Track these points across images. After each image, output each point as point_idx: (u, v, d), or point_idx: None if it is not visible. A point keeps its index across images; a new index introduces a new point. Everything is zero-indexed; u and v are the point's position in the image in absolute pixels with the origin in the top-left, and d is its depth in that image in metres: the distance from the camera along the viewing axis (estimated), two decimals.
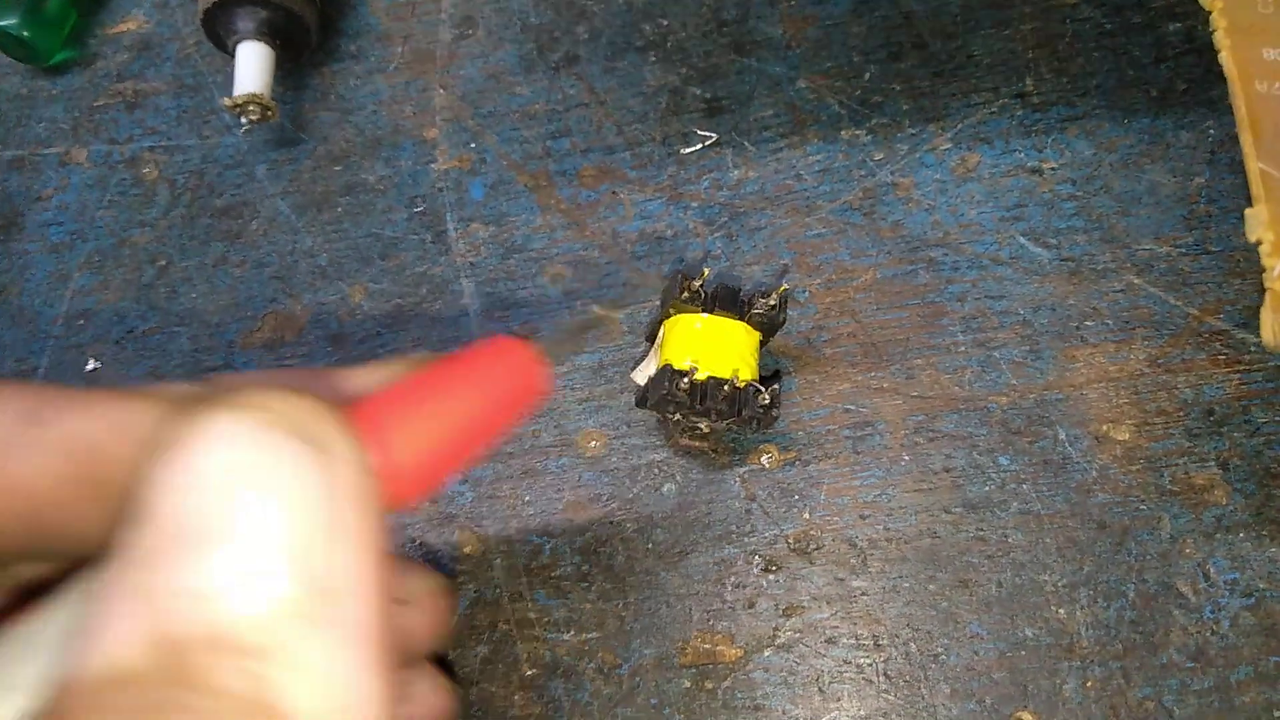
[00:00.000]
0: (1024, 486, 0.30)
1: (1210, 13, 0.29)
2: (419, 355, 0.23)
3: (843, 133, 0.36)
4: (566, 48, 0.40)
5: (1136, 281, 0.32)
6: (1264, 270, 0.24)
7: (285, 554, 0.14)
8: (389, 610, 0.16)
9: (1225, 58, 0.28)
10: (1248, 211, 0.25)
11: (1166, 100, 0.34)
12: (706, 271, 0.30)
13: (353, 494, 0.15)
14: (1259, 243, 0.25)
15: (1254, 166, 0.26)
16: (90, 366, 0.38)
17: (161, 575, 0.14)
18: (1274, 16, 0.29)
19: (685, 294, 0.30)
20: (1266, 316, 0.24)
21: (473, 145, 0.39)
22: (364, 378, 0.21)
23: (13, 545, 0.17)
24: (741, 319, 0.30)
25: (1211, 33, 0.29)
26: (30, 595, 0.20)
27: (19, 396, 0.17)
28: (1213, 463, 0.30)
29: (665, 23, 0.39)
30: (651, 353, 0.32)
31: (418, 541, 0.33)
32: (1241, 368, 0.30)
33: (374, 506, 0.16)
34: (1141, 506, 0.30)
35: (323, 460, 0.15)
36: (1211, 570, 0.29)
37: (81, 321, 0.39)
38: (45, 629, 0.17)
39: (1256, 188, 0.25)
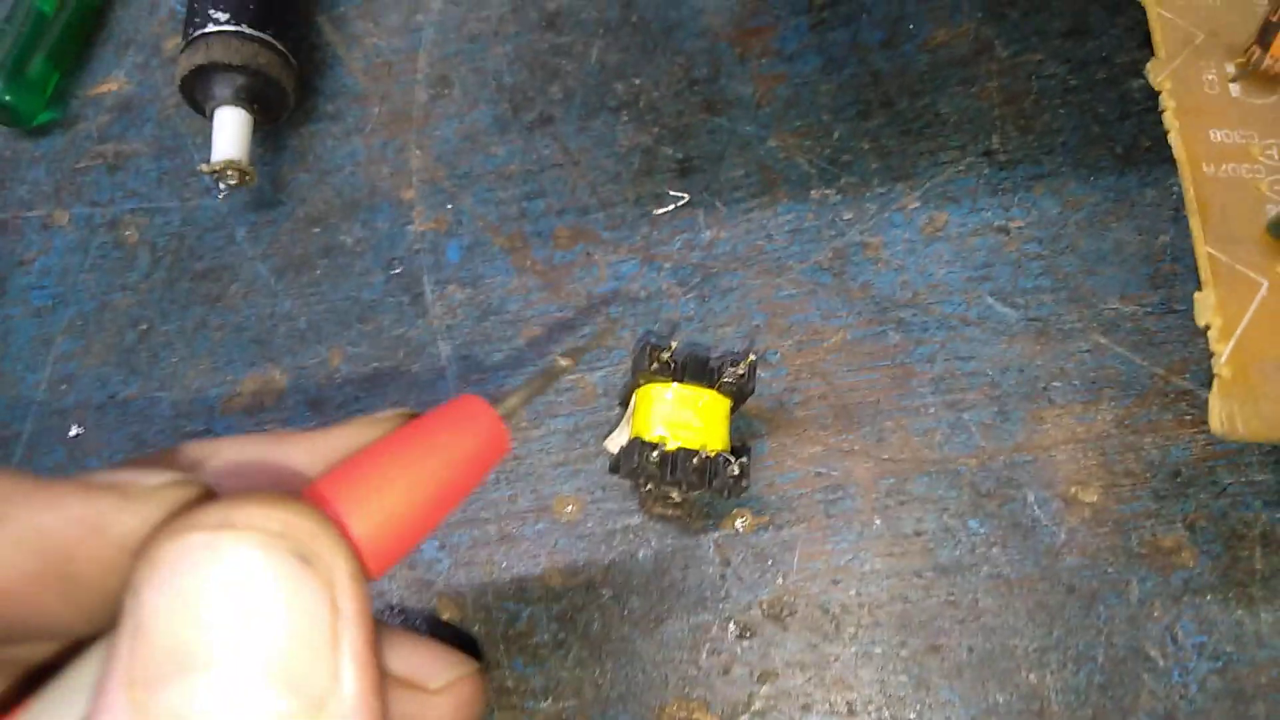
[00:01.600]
0: (994, 550, 0.31)
1: (1160, 93, 0.29)
2: (382, 415, 0.23)
3: (812, 192, 0.36)
4: (541, 108, 0.40)
5: (1103, 341, 0.32)
6: (1212, 355, 0.25)
7: (283, 675, 0.15)
8: (385, 706, 0.16)
9: (1174, 139, 0.28)
10: (1196, 296, 0.25)
11: (1131, 157, 0.34)
12: (674, 344, 0.30)
13: (347, 605, 0.16)
14: (1208, 327, 0.25)
15: (1202, 250, 0.26)
16: (73, 432, 0.38)
17: (163, 698, 0.14)
18: (1221, 97, 0.29)
19: (654, 364, 0.30)
20: (1215, 403, 0.24)
21: (449, 206, 0.39)
22: (331, 442, 0.22)
23: None
24: (711, 387, 0.31)
25: (1161, 112, 0.29)
26: (38, 677, 0.21)
27: None
28: (1180, 524, 0.30)
29: (638, 82, 0.39)
30: (624, 420, 0.32)
31: (397, 609, 0.33)
32: (1207, 428, 0.30)
33: (367, 611, 0.16)
34: (1110, 569, 0.30)
35: (316, 576, 0.15)
36: (1180, 633, 0.29)
37: (64, 386, 0.39)
38: None
39: (1205, 271, 0.26)
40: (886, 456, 0.32)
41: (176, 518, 0.16)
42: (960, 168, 0.35)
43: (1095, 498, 0.31)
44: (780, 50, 0.39)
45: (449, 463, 0.20)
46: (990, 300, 0.33)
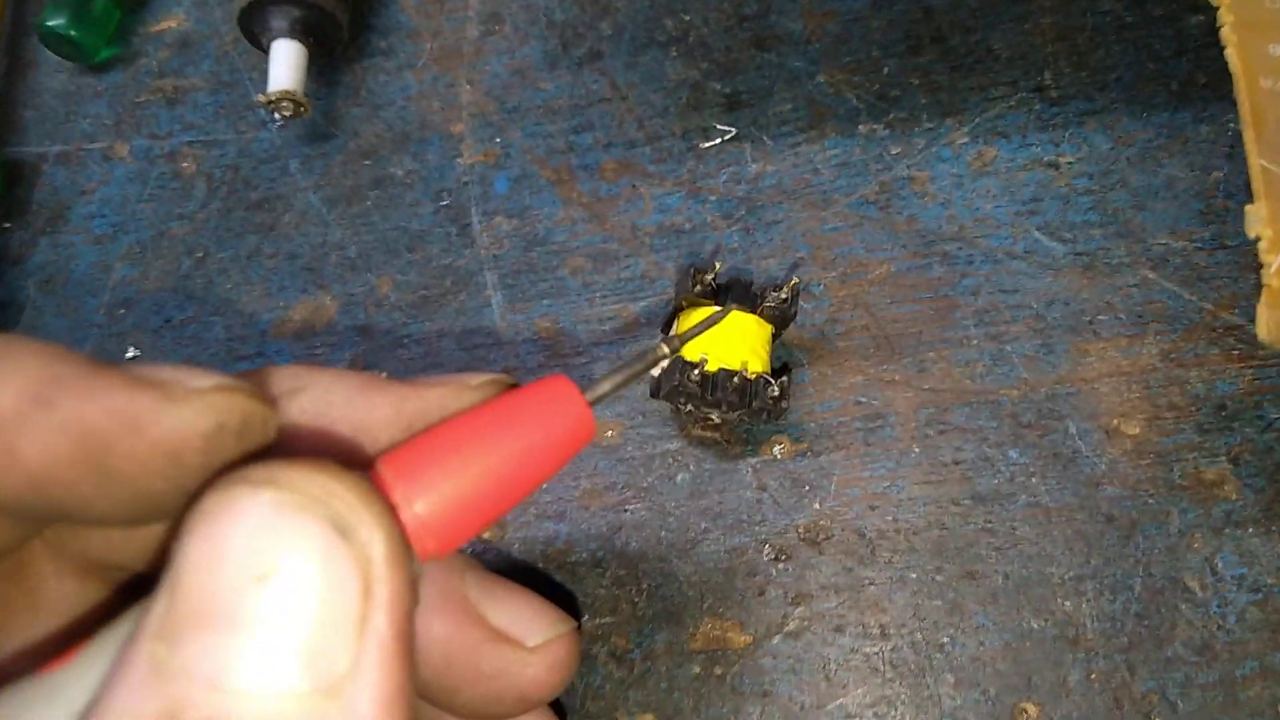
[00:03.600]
0: (1033, 479, 0.31)
1: (1218, 8, 0.29)
2: (475, 380, 0.22)
3: (860, 127, 0.36)
4: (590, 43, 0.40)
5: (1151, 276, 0.32)
6: (1262, 266, 0.24)
7: (301, 647, 0.15)
8: (412, 697, 0.16)
9: (1231, 53, 0.28)
10: (1248, 208, 0.25)
11: (1186, 94, 0.33)
12: (719, 265, 0.31)
13: (380, 588, 0.15)
14: (1258, 239, 0.25)
15: (1255, 163, 0.25)
16: (130, 354, 0.39)
17: (180, 654, 0.14)
18: None
19: (698, 287, 0.31)
20: (1263, 312, 0.24)
21: (498, 140, 0.39)
22: (418, 401, 0.21)
23: (28, 513, 0.18)
24: (753, 311, 0.31)
25: (1219, 28, 0.29)
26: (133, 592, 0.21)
27: (35, 368, 0.17)
28: (1223, 458, 0.30)
29: (687, 18, 0.40)
30: None
31: None
32: (1255, 363, 0.30)
33: (403, 591, 0.16)
34: (1150, 501, 0.30)
35: (351, 551, 0.15)
36: (1219, 565, 0.29)
37: (123, 311, 0.40)
38: (85, 674, 0.17)
39: (1257, 184, 0.25)
40: (927, 387, 0.32)
41: (227, 472, 0.16)
42: (1011, 103, 0.35)
43: (1138, 430, 0.30)
44: None
45: (527, 450, 0.19)
46: (1037, 234, 0.33)
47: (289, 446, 0.20)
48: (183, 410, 0.17)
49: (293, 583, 0.15)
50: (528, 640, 0.25)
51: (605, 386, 0.21)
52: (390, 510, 0.16)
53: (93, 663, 0.17)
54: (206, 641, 0.14)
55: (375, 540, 0.15)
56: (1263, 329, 0.24)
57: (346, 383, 0.21)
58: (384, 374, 0.22)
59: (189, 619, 0.15)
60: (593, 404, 0.21)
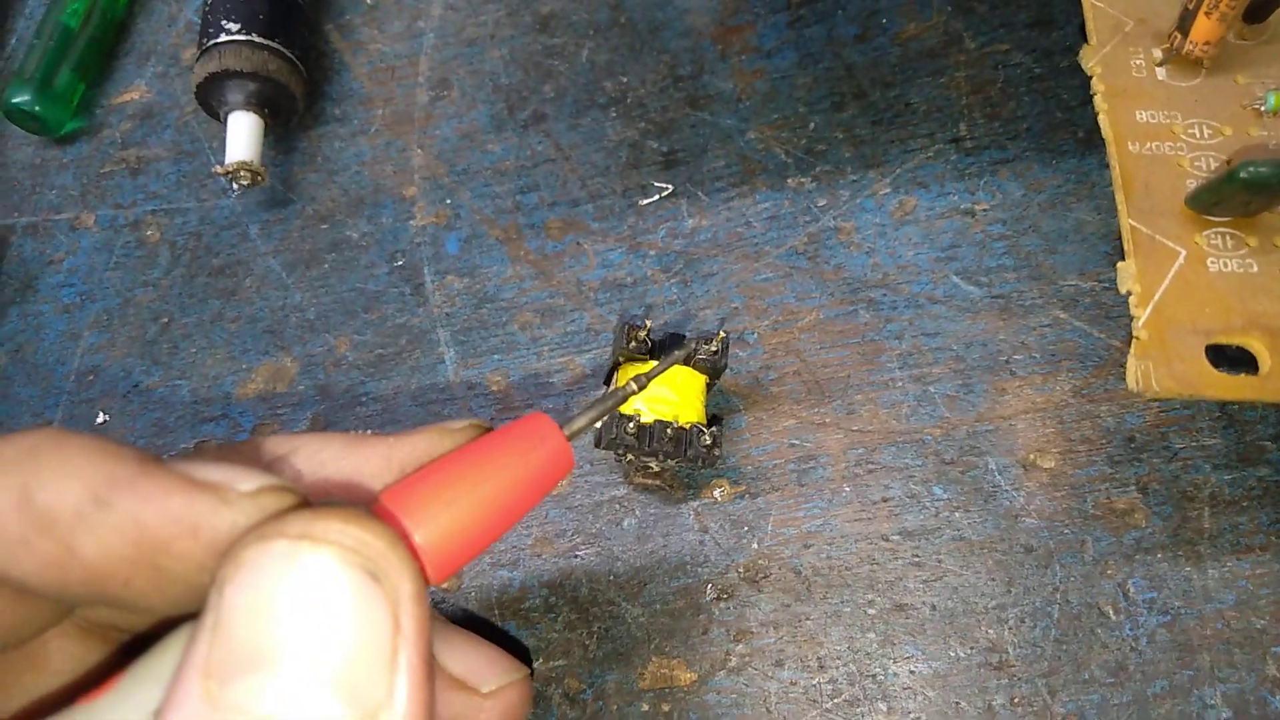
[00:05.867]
0: (956, 514, 0.32)
1: (1091, 77, 0.31)
2: (455, 425, 0.24)
3: (789, 181, 0.38)
4: (534, 106, 0.42)
5: (1062, 316, 0.34)
6: (1132, 319, 0.26)
7: (343, 684, 0.16)
8: (434, 713, 0.18)
9: (1103, 120, 0.30)
10: (1119, 265, 0.27)
11: (1091, 141, 0.35)
12: (649, 323, 0.32)
13: (408, 623, 0.17)
14: (1129, 294, 0.27)
15: (1125, 222, 0.27)
16: (100, 420, 0.41)
17: (229, 690, 0.16)
18: (1148, 80, 0.30)
19: (632, 343, 0.32)
20: (1132, 363, 0.26)
21: (448, 201, 0.41)
22: (404, 449, 0.23)
23: (79, 603, 0.19)
24: (687, 364, 0.33)
25: (1092, 96, 0.31)
26: (135, 646, 0.23)
27: (92, 468, 0.18)
28: (1133, 487, 0.32)
29: (625, 80, 0.41)
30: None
31: None
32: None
33: (426, 629, 0.17)
34: (1066, 531, 0.31)
35: (383, 593, 0.17)
36: (1131, 590, 0.31)
37: (91, 377, 0.41)
38: (124, 705, 0.18)
39: (1128, 243, 0.27)
40: (856, 428, 0.34)
41: (264, 522, 0.18)
42: (929, 154, 0.37)
43: (1053, 463, 0.32)
44: (759, 46, 0.41)
45: (514, 481, 0.21)
46: (956, 279, 0.35)
47: None
48: (235, 513, 0.18)
49: (332, 624, 0.16)
50: (482, 687, 0.27)
51: (581, 421, 0.23)
52: (414, 552, 0.18)
53: (130, 695, 0.19)
54: (256, 679, 0.16)
55: (403, 582, 0.17)
56: (1131, 379, 0.25)
57: (334, 441, 0.23)
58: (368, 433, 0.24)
59: (238, 660, 0.16)
60: (570, 438, 0.22)
